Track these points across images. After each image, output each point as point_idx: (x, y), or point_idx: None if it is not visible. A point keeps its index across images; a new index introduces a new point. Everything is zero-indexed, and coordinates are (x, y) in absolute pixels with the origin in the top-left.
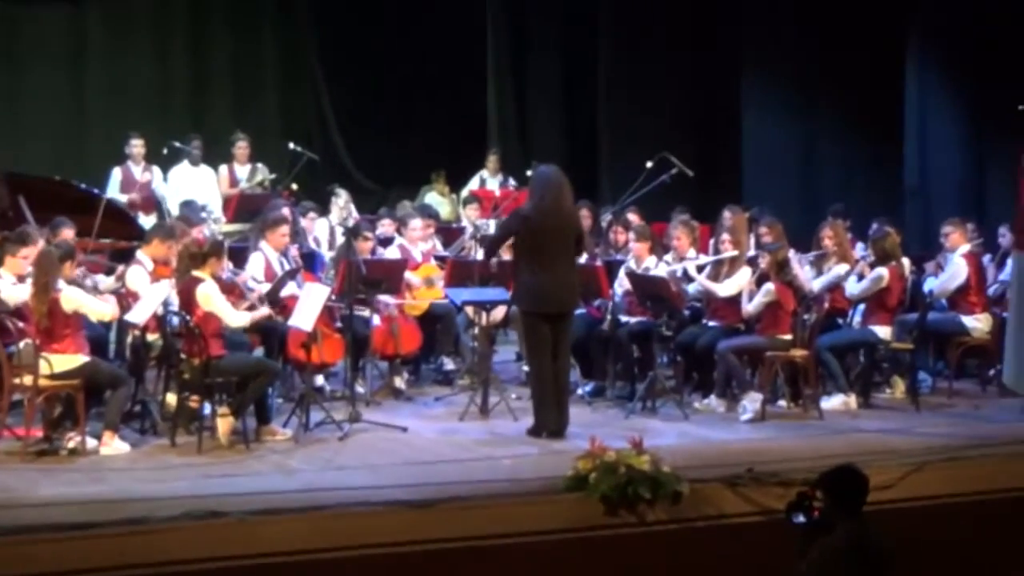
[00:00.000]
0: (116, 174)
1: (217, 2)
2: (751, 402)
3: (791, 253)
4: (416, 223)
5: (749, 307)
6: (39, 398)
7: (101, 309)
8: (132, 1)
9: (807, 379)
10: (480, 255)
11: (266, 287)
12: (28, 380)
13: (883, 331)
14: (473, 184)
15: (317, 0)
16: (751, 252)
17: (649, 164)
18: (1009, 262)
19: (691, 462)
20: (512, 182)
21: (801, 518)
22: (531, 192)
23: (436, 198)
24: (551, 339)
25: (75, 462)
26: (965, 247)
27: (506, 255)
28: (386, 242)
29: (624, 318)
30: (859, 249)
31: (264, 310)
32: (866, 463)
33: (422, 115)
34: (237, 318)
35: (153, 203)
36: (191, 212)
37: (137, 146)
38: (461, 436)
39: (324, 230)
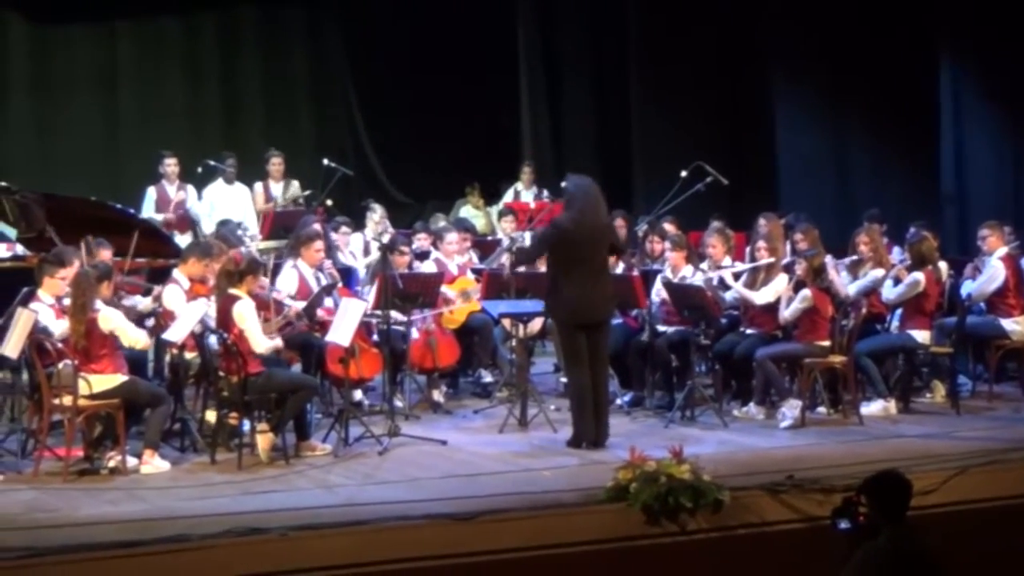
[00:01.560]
0: (151, 193)
1: (248, 22)
2: (790, 409)
3: (827, 259)
4: (452, 236)
5: (786, 313)
6: (79, 418)
7: (135, 336)
8: (163, 23)
9: (846, 385)
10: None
11: (300, 305)
12: (68, 400)
13: (921, 335)
14: (508, 197)
15: (347, 19)
16: (787, 259)
17: (684, 173)
18: None
19: (731, 470)
20: (546, 194)
21: (846, 524)
22: (567, 203)
23: (471, 211)
24: (587, 349)
25: (115, 481)
26: (1003, 250)
27: (538, 267)
28: (422, 256)
29: (661, 328)
30: (896, 254)
31: (279, 342)
32: (907, 468)
33: (456, 129)
34: (262, 344)
35: (188, 222)
36: (228, 231)
37: (171, 165)
38: (500, 448)
39: (359, 245)
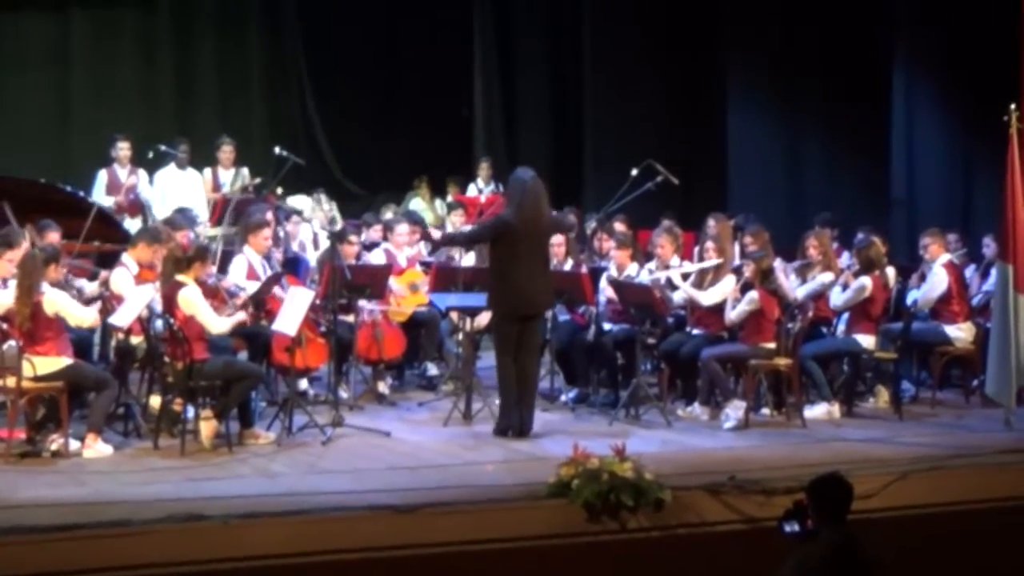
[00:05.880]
0: (102, 177)
1: (202, 6)
2: (734, 410)
3: (776, 262)
4: (403, 228)
5: (732, 315)
6: (22, 400)
7: (81, 315)
8: (117, 6)
9: (790, 388)
10: (465, 259)
11: (253, 286)
12: (11, 382)
13: (867, 340)
14: (469, 193)
15: (303, 6)
16: (736, 261)
17: (634, 171)
18: (993, 272)
19: (674, 469)
20: (499, 188)
21: (794, 528)
22: (509, 198)
23: (420, 204)
24: (518, 340)
25: (57, 464)
26: (945, 257)
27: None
28: (371, 247)
29: (608, 325)
30: (844, 259)
31: (242, 315)
32: (849, 472)
33: (408, 120)
34: (218, 324)
35: (139, 206)
36: (184, 219)
37: (123, 149)
38: (444, 441)
39: (308, 234)
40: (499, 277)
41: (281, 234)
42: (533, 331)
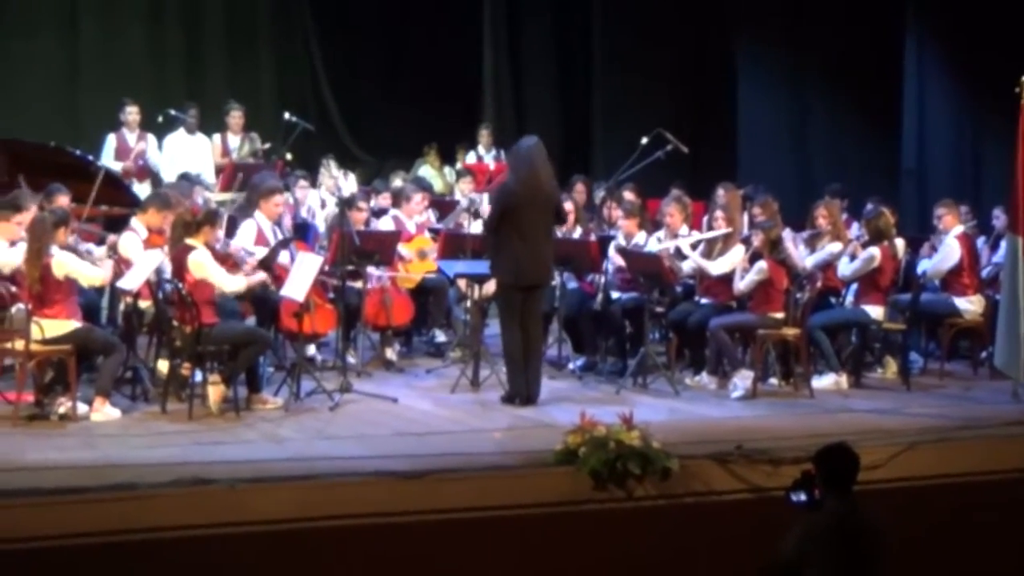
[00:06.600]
0: (110, 141)
1: None
2: (742, 380)
3: (785, 232)
4: (415, 196)
5: (741, 284)
6: (30, 363)
7: (92, 274)
8: None
9: (798, 358)
10: (474, 227)
11: (262, 251)
12: (20, 345)
13: (875, 311)
14: (470, 159)
15: None
16: (745, 232)
17: (644, 140)
18: (1003, 244)
19: (681, 438)
20: (504, 156)
21: (802, 497)
22: (510, 166)
23: (428, 171)
24: (522, 309)
25: (65, 427)
26: (958, 229)
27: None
28: (380, 213)
29: (616, 294)
30: (854, 230)
31: (260, 275)
32: (856, 443)
33: (418, 88)
34: (233, 283)
35: (147, 171)
36: (192, 184)
37: (132, 113)
38: (451, 408)
39: (317, 200)
40: (500, 247)
41: (290, 200)
42: (537, 300)
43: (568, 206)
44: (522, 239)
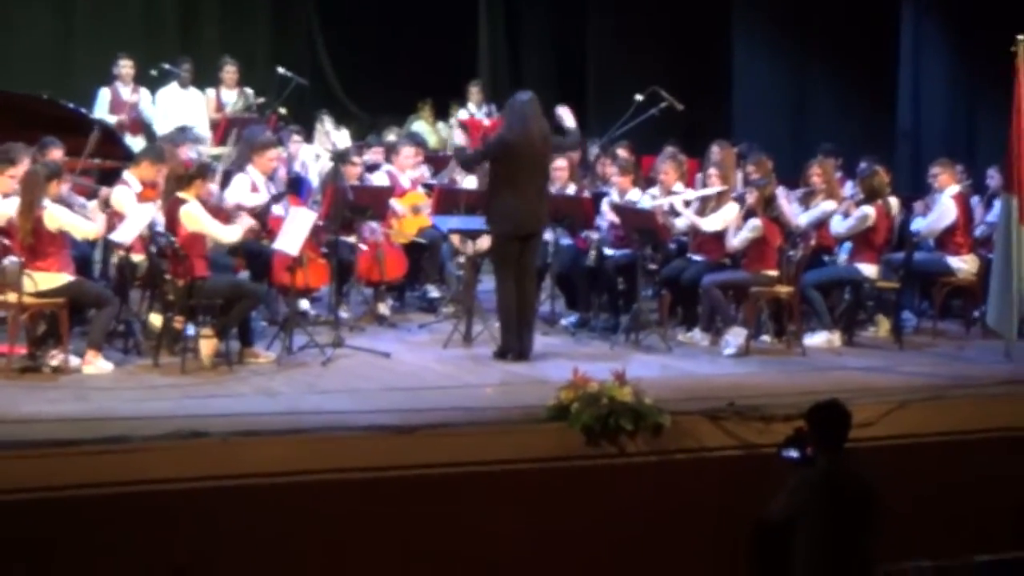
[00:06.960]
0: (104, 94)
1: None
2: (735, 337)
3: (779, 189)
4: (408, 150)
5: (734, 242)
6: (23, 316)
7: (85, 227)
8: None
9: (791, 315)
10: (467, 182)
11: (255, 200)
12: (12, 298)
13: (869, 269)
14: (462, 115)
15: None
16: (739, 189)
17: (639, 97)
18: (996, 203)
19: (673, 395)
20: (497, 112)
21: (793, 454)
22: (504, 119)
23: (423, 127)
24: (516, 261)
25: (58, 380)
26: (954, 188)
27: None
28: (373, 168)
29: (609, 251)
30: (848, 188)
31: (251, 221)
32: (848, 400)
33: (413, 43)
34: (226, 233)
35: (141, 125)
36: (186, 137)
37: (126, 67)
38: (444, 363)
39: (311, 155)
40: (494, 197)
41: (284, 154)
42: (532, 253)
43: (562, 163)
44: (515, 190)
